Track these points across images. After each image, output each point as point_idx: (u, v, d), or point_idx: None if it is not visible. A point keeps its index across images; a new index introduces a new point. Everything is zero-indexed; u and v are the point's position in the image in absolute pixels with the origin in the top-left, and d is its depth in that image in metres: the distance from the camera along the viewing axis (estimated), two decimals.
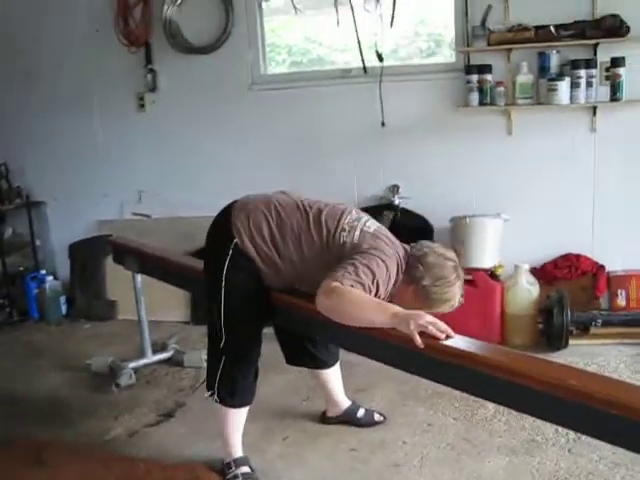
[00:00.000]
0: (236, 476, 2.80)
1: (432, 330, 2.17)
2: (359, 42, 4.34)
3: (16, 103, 5.18)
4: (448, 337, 2.19)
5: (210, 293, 2.75)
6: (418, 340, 2.15)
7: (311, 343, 3.05)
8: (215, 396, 2.81)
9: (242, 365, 2.79)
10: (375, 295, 2.41)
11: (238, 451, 2.87)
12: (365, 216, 2.72)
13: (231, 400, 2.81)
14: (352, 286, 2.35)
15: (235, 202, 2.78)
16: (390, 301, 2.47)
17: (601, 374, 2.09)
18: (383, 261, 2.48)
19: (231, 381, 2.78)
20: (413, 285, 2.56)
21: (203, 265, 2.88)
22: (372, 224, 2.67)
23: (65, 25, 4.94)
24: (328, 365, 3.14)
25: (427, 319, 2.20)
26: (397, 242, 2.68)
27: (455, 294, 2.61)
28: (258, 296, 2.70)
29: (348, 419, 3.22)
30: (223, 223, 2.73)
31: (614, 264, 4.25)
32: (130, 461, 3.01)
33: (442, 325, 2.20)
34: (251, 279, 2.66)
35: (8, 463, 3.02)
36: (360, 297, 2.34)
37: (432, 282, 2.55)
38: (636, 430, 1.79)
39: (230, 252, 2.65)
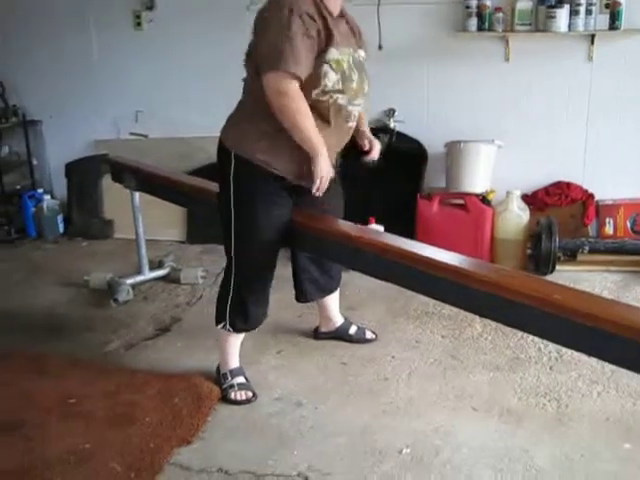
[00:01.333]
0: (232, 386, 2.91)
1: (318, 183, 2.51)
2: None
3: (10, 22, 5.12)
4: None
5: (222, 216, 2.73)
6: (317, 187, 2.53)
7: (319, 270, 3.08)
8: (227, 325, 2.85)
9: (254, 289, 2.82)
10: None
11: (234, 362, 2.97)
12: None
13: (244, 325, 2.86)
14: (286, 70, 2.34)
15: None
16: None
17: (584, 291, 2.18)
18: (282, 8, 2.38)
19: (244, 306, 2.81)
20: None
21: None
22: None
23: None
24: (332, 292, 3.23)
25: (324, 173, 2.51)
26: None
27: None
28: (269, 208, 2.65)
29: (340, 335, 3.32)
30: (219, 142, 2.72)
31: (604, 193, 4.32)
32: (129, 371, 3.10)
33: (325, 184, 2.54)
34: (260, 184, 2.62)
35: (10, 374, 3.11)
36: (299, 112, 2.42)
37: None
38: (614, 342, 1.88)
39: (232, 164, 2.62)
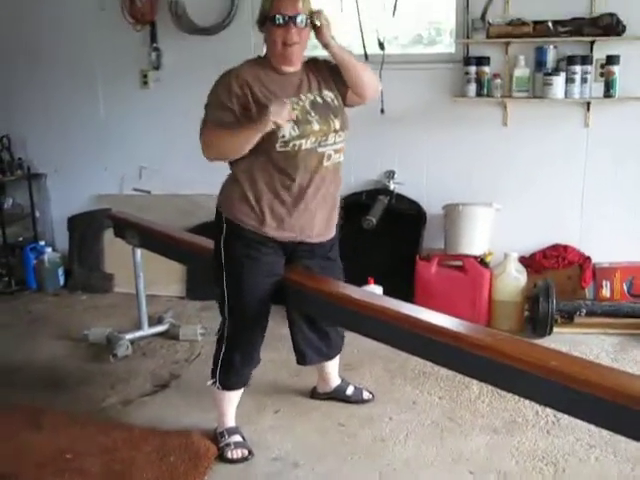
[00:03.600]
0: (228, 444, 2.91)
1: (277, 119, 2.50)
2: (361, 30, 4.41)
3: (20, 76, 5.23)
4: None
5: (215, 277, 2.85)
6: (279, 124, 2.51)
7: (318, 335, 3.10)
8: (217, 384, 2.92)
9: (244, 349, 2.88)
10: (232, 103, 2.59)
11: (231, 421, 2.99)
12: None
13: (228, 382, 2.92)
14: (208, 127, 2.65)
15: None
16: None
17: (581, 357, 2.21)
18: (215, 89, 2.68)
19: (233, 365, 2.88)
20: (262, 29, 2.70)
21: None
22: None
23: (71, 2, 4.99)
24: (332, 358, 3.24)
25: (272, 109, 2.49)
26: None
27: None
28: (260, 270, 2.77)
29: (337, 396, 3.33)
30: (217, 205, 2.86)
31: (600, 256, 4.35)
32: (126, 428, 3.10)
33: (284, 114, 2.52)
34: (250, 246, 2.74)
35: (7, 427, 3.12)
36: (222, 134, 2.62)
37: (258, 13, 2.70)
38: (611, 410, 1.91)
39: (224, 227, 2.78)
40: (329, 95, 2.76)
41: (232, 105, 2.61)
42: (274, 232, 2.73)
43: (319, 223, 2.81)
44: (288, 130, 2.58)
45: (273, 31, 2.61)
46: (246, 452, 2.90)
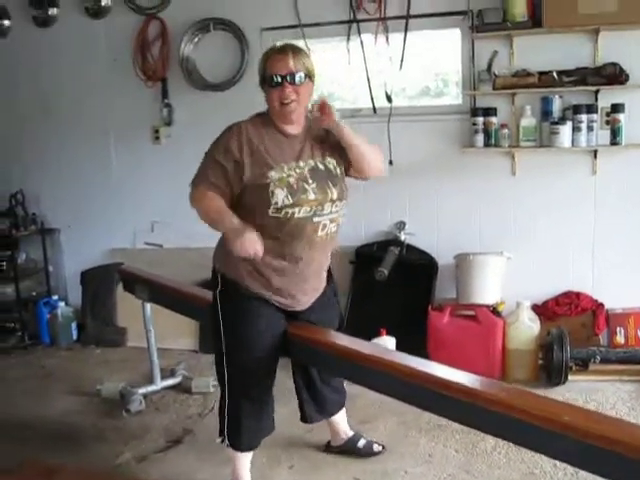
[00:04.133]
0: None
1: (241, 247, 2.57)
2: (369, 83, 4.49)
3: (33, 132, 5.34)
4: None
5: (212, 334, 2.87)
6: (236, 250, 2.58)
7: (324, 387, 3.11)
8: (226, 440, 2.90)
9: (248, 407, 2.85)
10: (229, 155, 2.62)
11: (246, 478, 2.96)
12: None
13: (239, 444, 2.90)
14: (201, 185, 2.67)
15: None
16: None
17: (595, 411, 2.19)
18: (216, 141, 2.73)
19: (238, 424, 2.86)
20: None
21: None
22: None
23: (85, 60, 5.12)
24: (334, 414, 3.24)
25: (244, 237, 2.56)
26: None
27: (268, 50, 2.77)
28: (259, 323, 2.76)
29: (349, 449, 3.30)
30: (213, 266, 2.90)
31: (613, 302, 4.34)
32: None
33: (250, 249, 2.57)
34: (246, 302, 2.74)
35: None
36: (209, 209, 2.68)
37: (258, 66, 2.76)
38: (627, 465, 1.89)
39: (219, 283, 2.81)
40: (332, 162, 2.77)
41: (226, 163, 2.63)
42: (267, 295, 2.74)
43: (310, 291, 2.83)
44: (282, 197, 2.58)
45: (270, 91, 2.66)
46: None
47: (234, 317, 2.77)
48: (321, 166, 2.72)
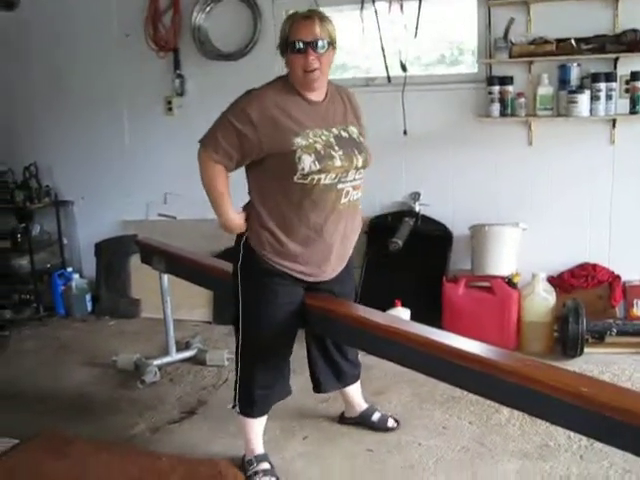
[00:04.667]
0: (256, 472, 2.89)
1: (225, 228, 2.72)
2: (383, 51, 4.42)
3: (46, 105, 5.33)
4: None
5: (232, 300, 2.85)
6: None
7: (339, 358, 3.10)
8: (237, 408, 2.92)
9: (260, 375, 2.85)
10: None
11: (259, 448, 2.96)
12: None
13: (250, 411, 2.91)
14: (210, 147, 2.66)
15: None
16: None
17: (612, 383, 2.17)
18: (234, 104, 2.68)
19: (249, 391, 2.87)
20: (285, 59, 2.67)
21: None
22: None
23: (97, 29, 5.08)
24: (349, 385, 3.22)
25: (227, 224, 2.73)
26: None
27: (291, 14, 2.70)
28: (277, 299, 2.75)
29: (363, 422, 3.29)
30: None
31: (630, 274, 4.29)
32: (154, 456, 3.09)
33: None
34: (267, 274, 2.72)
35: (34, 454, 3.12)
36: (212, 188, 2.71)
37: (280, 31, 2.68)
38: None
39: (241, 252, 2.78)
40: (354, 131, 2.75)
41: (242, 127, 2.58)
42: (289, 265, 2.72)
43: (335, 260, 2.80)
44: (309, 163, 2.55)
45: (292, 58, 2.60)
46: None
47: (254, 292, 2.76)
48: (345, 134, 2.70)
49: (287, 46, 2.61)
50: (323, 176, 2.59)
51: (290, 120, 2.60)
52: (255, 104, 2.60)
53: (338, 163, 2.60)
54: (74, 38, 5.14)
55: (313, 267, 2.75)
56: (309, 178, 2.58)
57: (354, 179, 2.69)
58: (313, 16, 2.60)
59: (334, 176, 2.61)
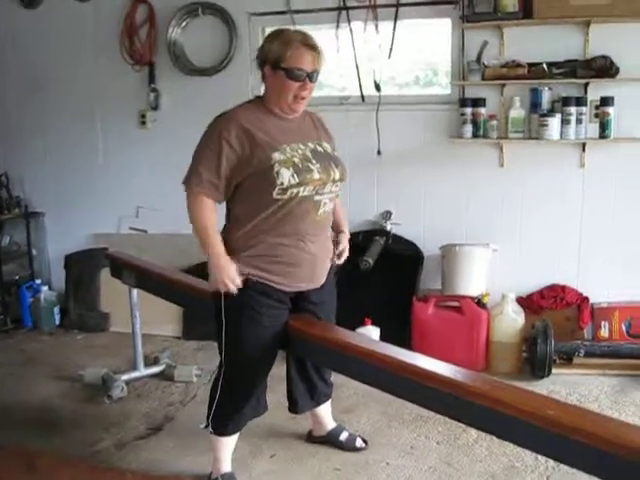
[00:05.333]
0: None
1: (219, 286, 2.63)
2: (358, 71, 4.46)
3: (19, 115, 5.29)
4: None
5: (215, 320, 2.79)
6: (212, 289, 2.68)
7: (317, 379, 3.10)
8: (210, 428, 2.88)
9: (240, 395, 2.83)
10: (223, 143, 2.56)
11: (226, 466, 2.94)
12: None
13: (224, 430, 2.89)
14: (194, 184, 2.60)
15: None
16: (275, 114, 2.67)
17: (578, 406, 2.19)
18: (208, 132, 2.66)
19: (225, 411, 2.85)
20: (265, 71, 2.64)
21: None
22: None
23: (71, 42, 5.05)
24: (325, 401, 3.22)
25: (224, 278, 2.61)
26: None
27: (291, 35, 2.64)
28: (262, 322, 2.72)
29: (331, 441, 3.28)
30: None
31: (598, 296, 4.34)
32: (118, 472, 3.07)
33: (232, 288, 2.62)
34: (250, 295, 2.68)
35: (1, 469, 3.08)
36: (199, 224, 2.64)
37: (266, 48, 2.64)
38: (608, 460, 1.89)
39: None
40: (328, 147, 2.79)
41: (221, 153, 2.57)
42: (281, 281, 2.70)
43: (320, 270, 2.81)
44: (288, 177, 2.56)
45: (286, 83, 2.58)
46: None
47: (237, 313, 2.71)
48: (320, 148, 2.73)
49: (278, 67, 2.58)
50: (302, 189, 2.60)
51: (267, 136, 2.61)
52: (230, 125, 2.60)
53: (316, 176, 2.62)
54: (48, 50, 5.11)
55: (299, 279, 2.74)
56: (288, 192, 2.58)
57: (330, 191, 2.72)
58: (317, 47, 2.61)
59: (312, 188, 2.63)
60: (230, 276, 2.62)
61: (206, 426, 2.89)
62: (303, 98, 2.62)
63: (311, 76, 2.59)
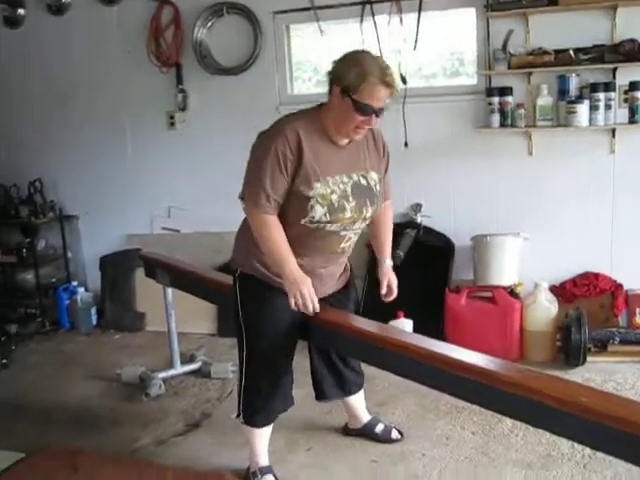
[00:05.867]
0: None
1: (299, 302, 2.59)
2: None
3: (51, 121, 5.38)
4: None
5: (234, 317, 2.87)
6: (292, 304, 2.61)
7: (342, 367, 3.11)
8: (241, 417, 2.92)
9: (263, 390, 2.85)
10: (282, 164, 2.50)
11: (263, 460, 2.97)
12: None
13: (254, 421, 2.91)
14: (257, 197, 2.54)
15: None
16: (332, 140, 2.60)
17: (612, 392, 2.18)
18: (266, 144, 2.55)
19: (252, 405, 2.88)
20: (333, 89, 2.53)
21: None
22: None
23: (98, 47, 5.12)
24: (352, 394, 3.23)
25: (302, 291, 2.58)
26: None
27: (370, 66, 2.46)
28: (279, 311, 2.74)
29: (367, 433, 3.30)
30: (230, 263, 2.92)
31: (632, 283, 4.30)
32: (159, 468, 3.12)
33: (309, 303, 2.59)
34: (267, 291, 2.72)
35: (43, 468, 3.15)
36: (270, 244, 2.59)
37: (340, 70, 2.51)
38: None
39: (237, 279, 2.82)
40: (374, 178, 2.73)
41: (282, 169, 2.52)
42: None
43: (329, 281, 2.85)
44: (320, 214, 2.55)
45: (352, 114, 2.49)
46: None
47: (253, 302, 2.77)
48: (363, 181, 2.68)
49: (347, 95, 2.47)
50: (330, 225, 2.61)
51: (315, 163, 2.56)
52: (286, 141, 2.52)
53: (348, 215, 2.61)
54: (75, 55, 5.19)
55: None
56: (316, 224, 2.59)
57: (359, 228, 2.73)
58: (393, 84, 2.49)
59: (340, 224, 2.63)
60: (307, 292, 2.61)
61: (237, 415, 2.93)
62: (364, 129, 2.57)
63: (378, 112, 2.50)
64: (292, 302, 2.61)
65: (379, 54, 4.34)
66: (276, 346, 2.80)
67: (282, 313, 2.74)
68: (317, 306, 2.63)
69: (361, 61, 2.49)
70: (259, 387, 2.86)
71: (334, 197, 2.57)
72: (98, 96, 5.20)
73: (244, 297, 2.80)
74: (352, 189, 2.63)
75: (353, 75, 2.45)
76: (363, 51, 2.62)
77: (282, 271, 2.61)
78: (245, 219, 2.78)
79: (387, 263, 2.99)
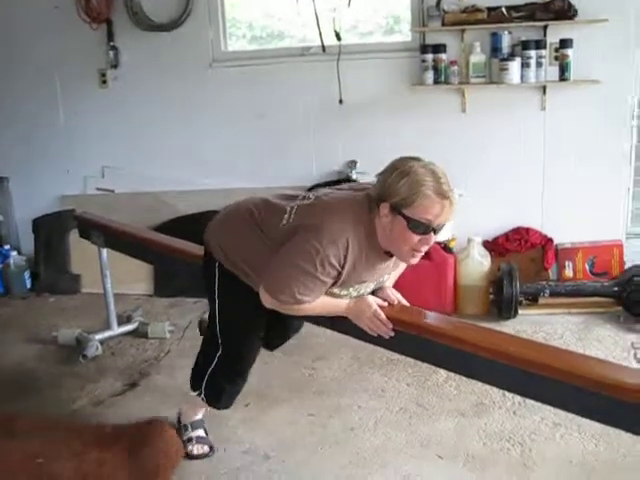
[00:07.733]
0: (190, 439, 2.91)
1: (373, 325, 2.38)
2: (318, 21, 4.43)
3: None
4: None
5: (209, 302, 2.74)
6: (374, 332, 2.40)
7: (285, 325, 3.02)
8: (202, 395, 2.83)
9: (233, 376, 2.80)
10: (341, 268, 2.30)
11: (198, 414, 2.97)
12: (312, 192, 2.54)
13: (217, 403, 2.86)
14: (284, 297, 2.33)
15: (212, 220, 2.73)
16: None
17: (538, 341, 2.27)
18: (314, 249, 2.25)
19: (219, 388, 2.81)
20: (381, 210, 2.26)
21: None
22: (314, 194, 2.50)
23: (24, 1, 4.95)
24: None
25: (372, 312, 2.38)
26: (353, 193, 2.50)
27: (423, 176, 2.22)
28: (254, 311, 2.59)
29: None
30: (206, 244, 2.70)
31: (562, 237, 4.44)
32: (97, 426, 3.10)
33: (382, 316, 2.37)
34: (243, 292, 2.58)
35: None
36: (312, 310, 2.42)
37: (390, 181, 2.25)
38: (570, 392, 1.97)
39: (216, 271, 2.63)
40: (392, 274, 2.63)
41: (323, 279, 2.30)
42: None
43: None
44: (345, 292, 2.44)
45: (407, 234, 2.22)
46: (207, 448, 2.90)
47: (234, 297, 2.64)
48: (382, 279, 2.54)
49: (399, 212, 2.20)
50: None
51: (354, 273, 2.35)
52: (338, 252, 2.26)
53: (369, 289, 2.51)
54: (2, 12, 4.99)
55: None
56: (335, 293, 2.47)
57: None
58: (450, 197, 2.22)
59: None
60: (375, 317, 2.39)
61: (198, 394, 2.83)
62: (421, 252, 2.30)
63: (436, 230, 2.24)
64: (368, 329, 2.42)
65: (314, 10, 4.36)
66: (253, 339, 2.74)
67: (261, 310, 2.54)
68: (390, 326, 2.37)
69: (412, 171, 2.23)
70: (230, 375, 2.78)
71: (354, 293, 2.46)
72: (26, 54, 5.02)
73: (224, 291, 2.65)
74: (373, 286, 2.52)
75: (404, 188, 2.19)
76: (412, 162, 2.32)
77: (341, 314, 2.45)
78: (231, 207, 2.65)
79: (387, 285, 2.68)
